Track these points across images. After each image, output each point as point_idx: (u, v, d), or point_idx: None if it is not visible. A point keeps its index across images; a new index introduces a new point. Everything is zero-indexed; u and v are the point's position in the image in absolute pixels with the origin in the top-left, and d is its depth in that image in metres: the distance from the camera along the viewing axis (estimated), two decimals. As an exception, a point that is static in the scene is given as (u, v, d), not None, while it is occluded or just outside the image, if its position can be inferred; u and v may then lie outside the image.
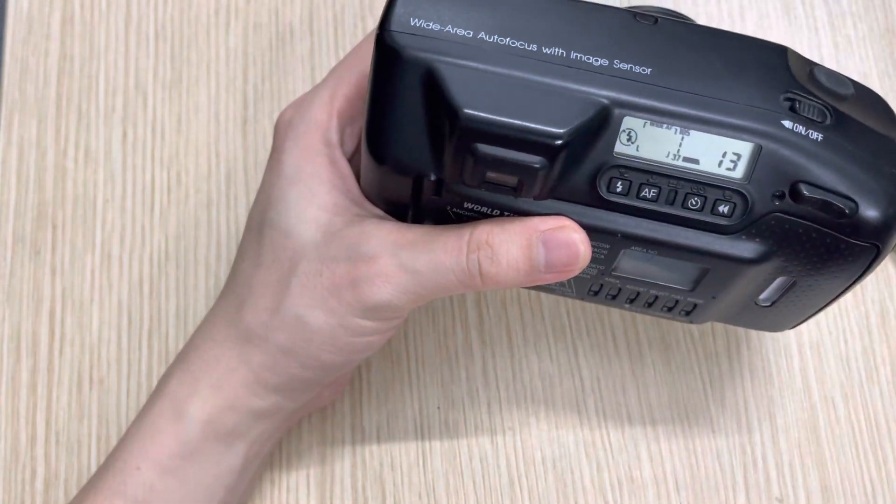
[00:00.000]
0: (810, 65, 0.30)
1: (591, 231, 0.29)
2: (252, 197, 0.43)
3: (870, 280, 0.43)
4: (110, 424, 0.41)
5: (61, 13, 0.46)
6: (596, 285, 0.33)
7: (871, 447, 0.40)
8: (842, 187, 0.28)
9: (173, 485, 0.33)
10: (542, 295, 0.42)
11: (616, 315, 0.42)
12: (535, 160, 0.27)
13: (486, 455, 0.40)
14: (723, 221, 0.29)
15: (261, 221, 0.33)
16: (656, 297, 0.33)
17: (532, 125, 0.27)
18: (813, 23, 0.46)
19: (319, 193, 0.32)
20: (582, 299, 0.35)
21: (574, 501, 0.39)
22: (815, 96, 0.29)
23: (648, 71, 0.28)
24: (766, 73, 0.29)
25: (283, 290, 0.32)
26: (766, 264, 0.30)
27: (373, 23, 0.46)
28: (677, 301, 0.33)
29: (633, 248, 0.30)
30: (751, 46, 0.30)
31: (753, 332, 0.42)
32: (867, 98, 0.31)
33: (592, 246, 0.30)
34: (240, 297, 0.33)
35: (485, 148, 0.27)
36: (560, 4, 0.29)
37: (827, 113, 0.29)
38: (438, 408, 0.41)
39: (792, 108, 0.28)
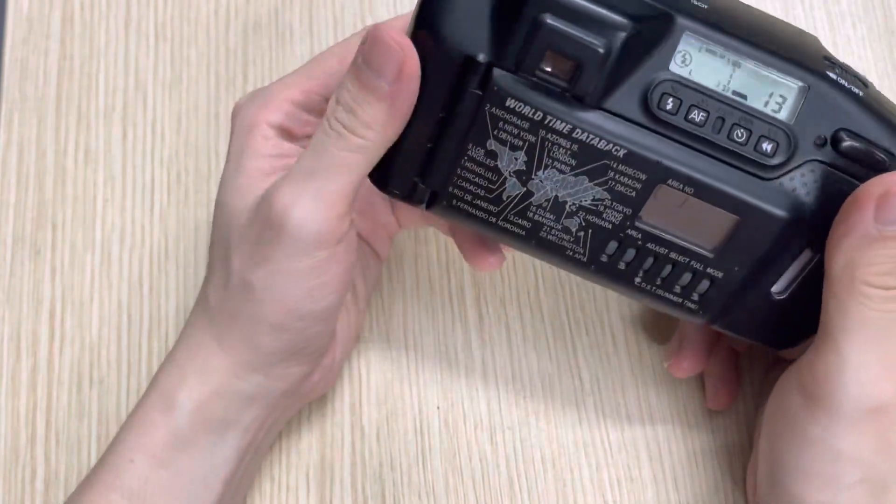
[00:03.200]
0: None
1: (634, 155, 0.29)
2: (252, 197, 0.44)
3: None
4: (110, 424, 0.41)
5: (61, 13, 0.46)
6: (614, 243, 0.32)
7: (870, 447, 0.40)
8: (881, 139, 0.29)
9: (167, 476, 0.33)
10: (542, 294, 0.42)
11: (616, 315, 0.42)
12: (598, 42, 0.28)
13: (486, 454, 0.40)
14: (764, 160, 0.29)
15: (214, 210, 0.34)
16: (674, 267, 0.32)
17: (601, 5, 0.28)
18: (813, 23, 0.46)
19: (246, 165, 0.33)
20: (592, 272, 0.33)
21: (573, 501, 0.40)
22: (848, 70, 0.30)
23: (706, 6, 0.29)
24: (806, 41, 0.31)
25: (227, 261, 0.33)
26: (794, 228, 0.30)
27: (372, 23, 0.46)
28: (694, 274, 0.32)
29: (669, 182, 0.30)
30: (788, 26, 0.31)
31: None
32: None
33: (629, 177, 0.29)
34: (206, 280, 0.34)
35: (552, 20, 0.28)
36: None
37: (861, 81, 0.30)
38: (438, 407, 0.41)
39: (832, 69, 0.30)
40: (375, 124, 0.30)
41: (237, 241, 0.32)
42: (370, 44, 0.29)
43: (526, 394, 0.41)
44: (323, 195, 0.30)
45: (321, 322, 0.33)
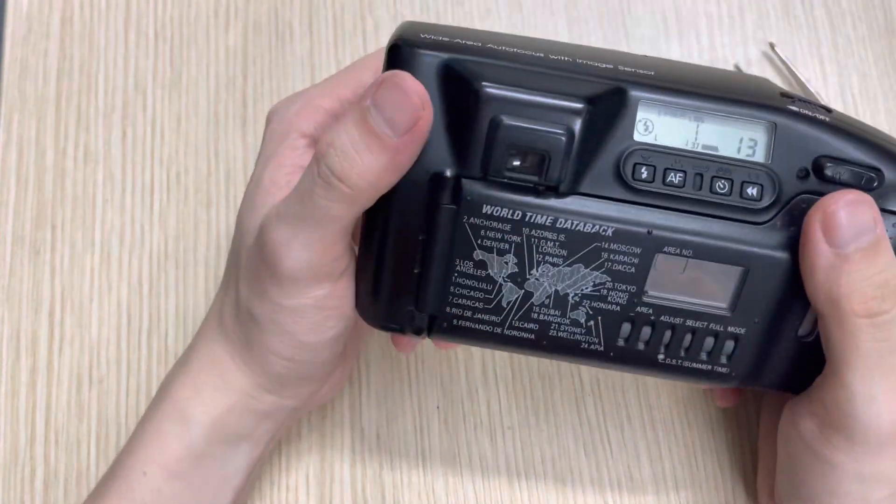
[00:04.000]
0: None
1: (623, 232, 0.29)
2: (252, 197, 0.44)
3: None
4: (109, 424, 0.41)
5: (61, 13, 0.46)
6: (627, 325, 0.31)
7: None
8: (862, 157, 0.29)
9: (180, 488, 0.32)
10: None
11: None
12: (558, 130, 0.27)
13: (486, 455, 0.40)
14: (752, 205, 0.29)
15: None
16: (694, 334, 0.31)
17: (552, 96, 0.28)
18: (813, 23, 0.46)
19: (265, 177, 0.32)
20: (612, 360, 0.31)
21: (573, 501, 0.39)
22: (807, 100, 0.30)
23: (653, 73, 0.29)
24: (759, 83, 0.31)
25: (237, 283, 0.32)
26: None
27: (372, 23, 0.46)
28: (716, 336, 0.31)
29: (665, 249, 0.29)
30: (736, 73, 0.31)
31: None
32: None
33: (624, 254, 0.29)
34: (222, 295, 0.34)
35: (508, 119, 0.27)
36: (554, 42, 0.30)
37: (824, 108, 0.30)
38: (438, 407, 0.41)
39: (792, 102, 0.29)
40: (370, 176, 0.27)
41: (244, 264, 0.32)
42: (386, 88, 0.27)
43: (526, 394, 0.41)
44: (313, 244, 0.29)
45: (330, 348, 0.33)
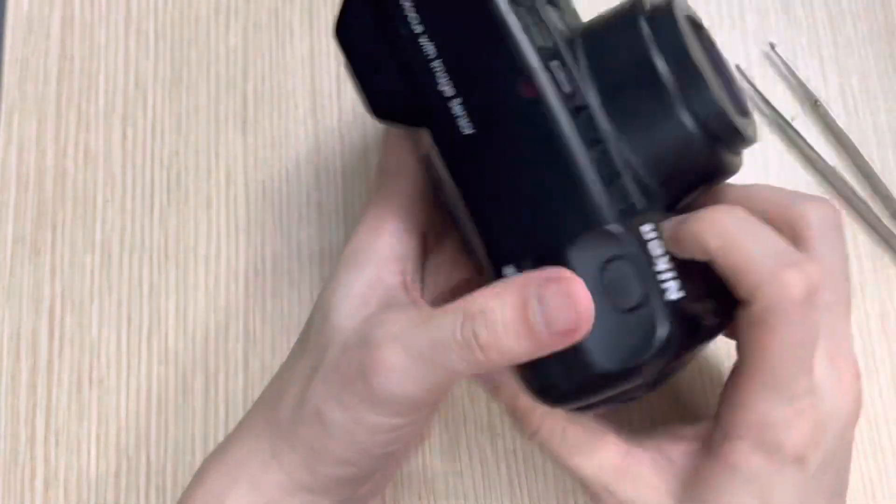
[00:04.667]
0: None
1: None
2: (252, 197, 0.43)
3: (870, 281, 0.43)
4: (110, 424, 0.41)
5: (61, 13, 0.46)
6: None
7: (870, 447, 0.40)
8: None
9: None
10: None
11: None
12: None
13: (486, 455, 0.40)
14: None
15: (317, 303, 0.32)
16: None
17: None
18: (813, 23, 0.46)
19: (366, 272, 0.31)
20: None
21: (574, 502, 0.39)
22: None
23: None
24: None
25: (310, 380, 0.30)
26: None
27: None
28: None
29: None
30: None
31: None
32: None
33: None
34: (280, 384, 0.32)
35: None
36: None
37: None
38: (438, 407, 0.41)
39: None
40: (510, 357, 0.27)
41: (329, 364, 0.30)
42: (556, 293, 0.26)
43: (526, 394, 0.41)
44: (427, 386, 0.28)
45: (389, 458, 0.32)
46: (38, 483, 0.40)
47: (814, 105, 0.44)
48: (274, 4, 0.47)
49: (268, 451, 0.31)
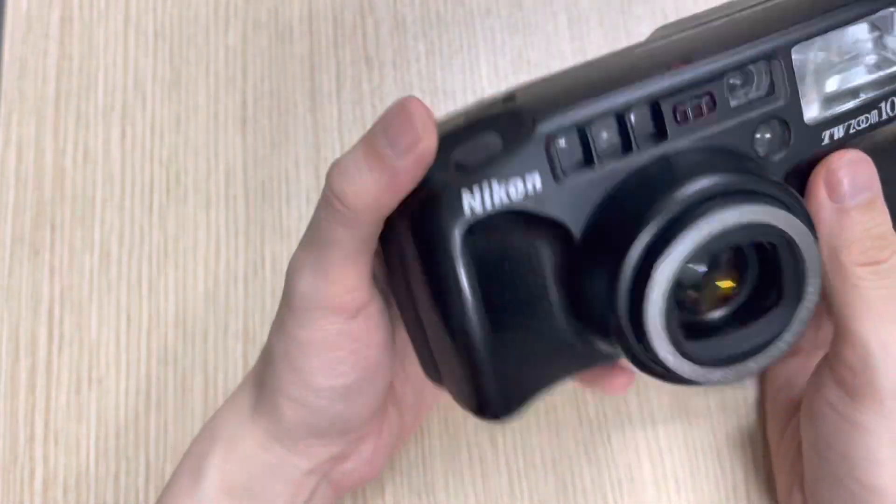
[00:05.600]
0: None
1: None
2: (251, 197, 0.43)
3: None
4: (109, 425, 0.41)
5: (60, 12, 0.46)
6: None
7: None
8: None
9: None
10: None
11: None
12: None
13: (486, 455, 0.40)
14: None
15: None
16: None
17: None
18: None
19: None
20: None
21: (574, 502, 0.39)
22: None
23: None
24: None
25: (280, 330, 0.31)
26: None
27: (372, 22, 0.46)
28: None
29: None
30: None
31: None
32: None
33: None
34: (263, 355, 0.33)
35: None
36: None
37: None
38: (438, 407, 0.41)
39: None
40: (367, 196, 0.27)
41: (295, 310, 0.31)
42: (394, 110, 0.27)
43: (526, 394, 0.41)
44: (320, 270, 0.29)
45: (341, 401, 0.31)
46: (38, 483, 0.40)
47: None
48: (273, 4, 0.47)
49: (246, 409, 0.32)
